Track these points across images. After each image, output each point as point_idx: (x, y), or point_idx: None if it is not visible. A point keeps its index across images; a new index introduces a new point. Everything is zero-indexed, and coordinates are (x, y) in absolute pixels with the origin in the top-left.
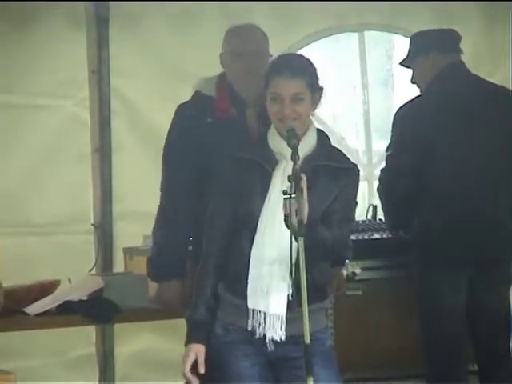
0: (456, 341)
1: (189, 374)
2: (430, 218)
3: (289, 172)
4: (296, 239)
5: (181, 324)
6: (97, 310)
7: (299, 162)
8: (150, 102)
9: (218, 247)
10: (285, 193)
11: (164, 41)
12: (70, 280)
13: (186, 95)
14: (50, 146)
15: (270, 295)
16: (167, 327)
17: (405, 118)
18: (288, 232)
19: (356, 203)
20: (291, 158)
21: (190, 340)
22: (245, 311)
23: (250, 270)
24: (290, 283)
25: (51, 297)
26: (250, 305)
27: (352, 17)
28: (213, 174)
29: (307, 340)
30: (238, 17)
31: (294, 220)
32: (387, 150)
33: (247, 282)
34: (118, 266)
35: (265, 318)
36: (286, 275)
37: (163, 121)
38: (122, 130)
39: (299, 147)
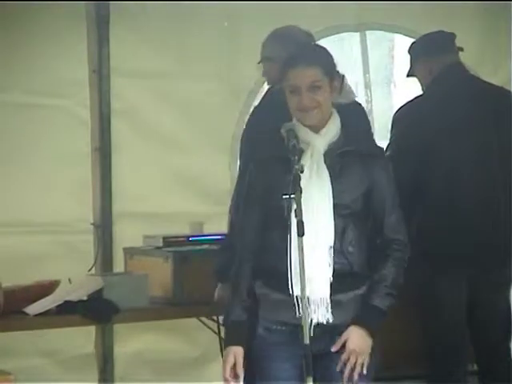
0: (456, 341)
1: (230, 379)
2: (430, 219)
3: (316, 157)
4: (299, 235)
5: (180, 324)
6: (97, 310)
7: (324, 150)
8: (150, 102)
9: (251, 247)
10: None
11: (164, 40)
12: (70, 280)
13: (186, 95)
14: (50, 145)
15: (313, 280)
16: (167, 327)
17: (403, 119)
18: (326, 217)
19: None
20: (293, 157)
21: (228, 342)
22: (287, 304)
23: (291, 259)
24: (330, 267)
25: (51, 297)
26: (296, 292)
27: (359, 16)
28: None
29: (307, 340)
30: (239, 17)
31: (294, 221)
32: (386, 150)
33: (287, 275)
34: (118, 266)
35: (309, 303)
36: (326, 260)
37: (163, 120)
38: (122, 130)
39: (322, 135)
